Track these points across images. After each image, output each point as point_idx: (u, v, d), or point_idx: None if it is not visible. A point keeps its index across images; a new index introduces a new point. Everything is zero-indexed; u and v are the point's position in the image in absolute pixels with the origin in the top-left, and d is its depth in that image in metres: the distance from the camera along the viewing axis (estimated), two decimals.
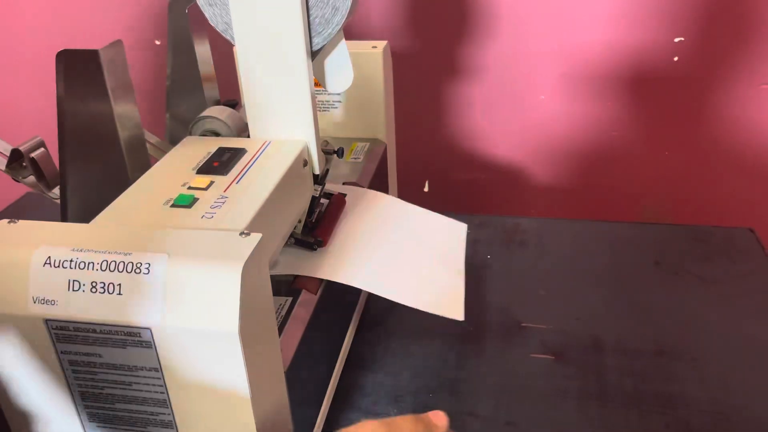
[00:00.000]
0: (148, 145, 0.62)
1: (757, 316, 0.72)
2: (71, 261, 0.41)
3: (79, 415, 0.45)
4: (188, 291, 0.39)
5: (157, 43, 1.13)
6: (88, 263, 0.41)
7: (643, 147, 1.07)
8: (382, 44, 0.80)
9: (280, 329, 0.52)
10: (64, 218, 0.56)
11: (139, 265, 0.40)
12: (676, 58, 1.00)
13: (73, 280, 0.41)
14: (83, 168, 0.55)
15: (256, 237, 0.42)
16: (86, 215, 0.56)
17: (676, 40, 0.99)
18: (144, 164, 0.56)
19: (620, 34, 1.00)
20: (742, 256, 0.82)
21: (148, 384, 0.43)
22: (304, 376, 0.53)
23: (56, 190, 0.58)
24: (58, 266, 0.41)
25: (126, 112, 0.53)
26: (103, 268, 0.40)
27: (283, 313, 0.54)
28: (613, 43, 1.01)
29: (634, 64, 1.02)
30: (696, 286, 0.78)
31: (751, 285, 0.77)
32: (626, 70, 1.02)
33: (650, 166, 1.08)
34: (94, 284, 0.40)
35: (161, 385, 0.42)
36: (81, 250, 0.41)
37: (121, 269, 0.40)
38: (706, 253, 0.83)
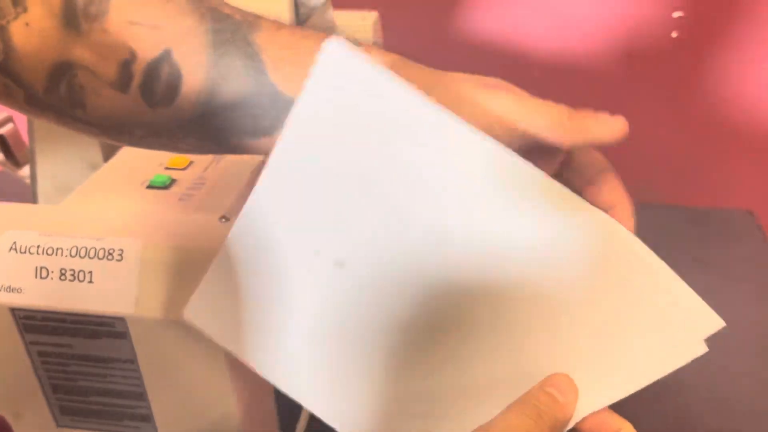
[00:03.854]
0: None
1: (757, 301, 0.71)
2: (38, 246, 0.39)
3: (50, 407, 0.43)
4: (164, 279, 0.37)
5: None
6: (57, 249, 0.38)
7: (639, 126, 1.05)
8: (372, 16, 0.77)
9: None
10: (34, 199, 0.54)
11: (111, 251, 0.38)
12: (674, 34, 0.98)
13: (41, 267, 0.39)
14: (54, 145, 0.53)
15: None
16: (58, 196, 0.53)
17: (675, 14, 0.96)
18: None
19: (616, 8, 0.97)
20: (740, 239, 0.80)
21: (123, 376, 0.41)
22: None
23: (26, 169, 0.56)
24: (25, 252, 0.39)
25: None
26: (73, 254, 0.38)
27: None
28: (609, 18, 0.98)
29: (630, 40, 0.99)
30: (693, 270, 0.76)
31: (750, 268, 0.75)
32: (622, 47, 1.00)
33: (647, 145, 1.07)
34: (63, 271, 0.38)
35: (137, 377, 0.40)
36: (49, 235, 0.39)
37: (92, 255, 0.38)
38: (703, 235, 0.82)
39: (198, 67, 0.33)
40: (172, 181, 0.46)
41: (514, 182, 0.32)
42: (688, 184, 1.08)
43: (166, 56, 0.32)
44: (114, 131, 0.35)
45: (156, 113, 0.33)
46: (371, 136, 0.32)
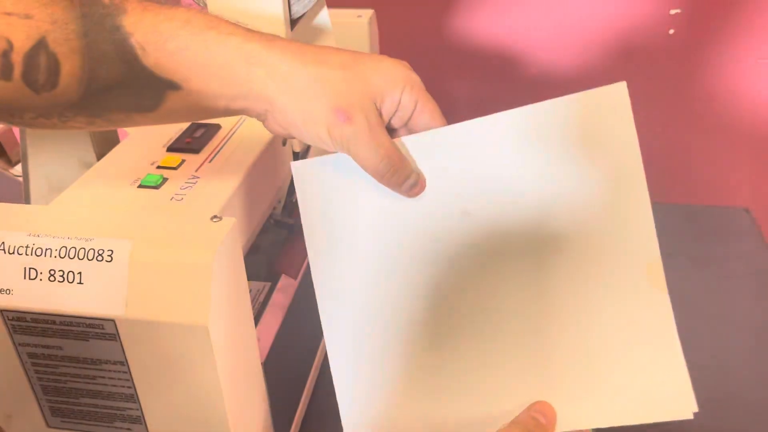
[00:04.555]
0: None
1: (752, 299, 0.70)
2: (27, 247, 0.38)
3: (41, 409, 0.43)
4: (154, 281, 0.37)
5: None
6: (46, 249, 0.38)
7: (636, 124, 1.05)
8: (368, 13, 0.76)
9: (257, 317, 0.49)
10: (27, 198, 0.53)
11: (101, 251, 0.37)
12: (671, 31, 0.97)
13: (30, 268, 0.38)
14: (47, 143, 0.52)
15: (229, 222, 0.39)
16: (51, 195, 0.52)
17: (672, 12, 0.96)
18: (112, 140, 0.53)
19: (613, 5, 0.97)
20: (737, 237, 0.80)
21: (113, 378, 0.40)
22: (283, 366, 0.51)
23: (19, 168, 0.55)
24: (13, 252, 0.38)
25: None
26: (62, 254, 0.38)
27: (261, 299, 0.51)
28: (606, 16, 0.98)
29: (627, 37, 0.99)
30: (689, 268, 0.76)
31: (746, 267, 0.75)
32: (620, 44, 1.00)
33: (643, 142, 1.06)
34: (52, 272, 0.38)
35: (128, 380, 0.40)
36: (38, 236, 0.38)
37: (81, 256, 0.38)
38: (699, 233, 0.81)
39: (72, 54, 0.34)
40: (164, 181, 0.45)
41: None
42: (684, 181, 1.08)
43: (42, 45, 0.34)
44: (5, 114, 0.36)
45: (42, 98, 0.35)
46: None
